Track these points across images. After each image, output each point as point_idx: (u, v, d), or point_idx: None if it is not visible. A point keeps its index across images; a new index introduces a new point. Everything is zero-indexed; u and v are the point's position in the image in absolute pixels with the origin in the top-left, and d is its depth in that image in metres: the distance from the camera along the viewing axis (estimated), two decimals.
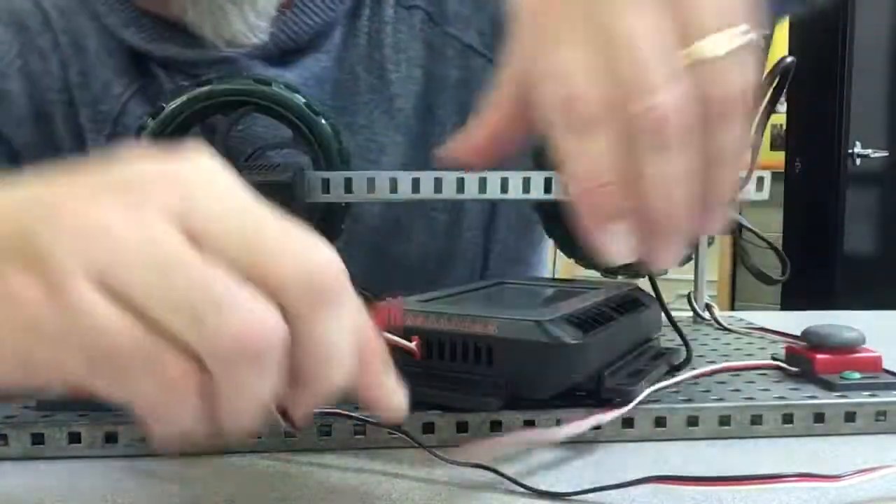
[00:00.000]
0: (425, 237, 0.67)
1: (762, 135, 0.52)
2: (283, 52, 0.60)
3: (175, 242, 0.24)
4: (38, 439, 0.35)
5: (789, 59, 0.47)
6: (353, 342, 0.26)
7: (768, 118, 0.50)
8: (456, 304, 0.41)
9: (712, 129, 0.30)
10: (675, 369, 0.43)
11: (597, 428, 0.37)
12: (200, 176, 0.25)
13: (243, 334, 0.23)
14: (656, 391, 0.38)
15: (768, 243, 0.47)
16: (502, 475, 0.33)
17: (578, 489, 0.31)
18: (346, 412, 0.36)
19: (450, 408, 0.37)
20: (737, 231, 0.52)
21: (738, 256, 0.53)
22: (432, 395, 0.37)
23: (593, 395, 0.37)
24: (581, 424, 0.34)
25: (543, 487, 0.32)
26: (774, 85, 0.48)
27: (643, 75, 0.29)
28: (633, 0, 0.30)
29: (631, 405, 0.37)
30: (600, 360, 0.37)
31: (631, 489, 0.31)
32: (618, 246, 0.30)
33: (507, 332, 0.36)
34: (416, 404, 0.37)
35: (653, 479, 0.31)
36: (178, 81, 0.61)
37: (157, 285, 0.23)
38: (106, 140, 0.62)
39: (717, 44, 0.29)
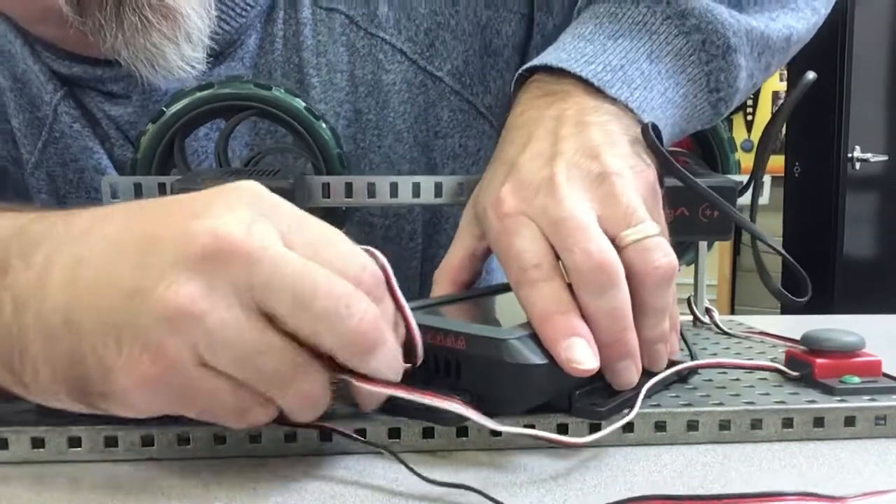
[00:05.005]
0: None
1: (772, 144, 0.52)
2: None
3: (251, 326, 0.30)
4: (38, 443, 0.35)
5: (811, 76, 0.48)
6: (398, 369, 0.34)
7: (782, 129, 0.50)
8: (441, 313, 0.41)
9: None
10: (682, 380, 0.42)
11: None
12: (254, 242, 0.30)
13: (312, 396, 0.32)
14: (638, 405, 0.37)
15: (792, 263, 0.47)
16: (485, 495, 0.31)
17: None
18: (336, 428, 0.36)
19: (415, 417, 0.36)
20: (755, 246, 0.52)
21: (760, 276, 0.53)
22: (401, 403, 0.36)
23: (566, 413, 0.37)
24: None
25: (529, 501, 0.31)
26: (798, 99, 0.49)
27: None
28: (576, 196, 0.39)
29: (632, 414, 0.36)
30: (571, 380, 0.36)
31: None
32: (579, 355, 0.36)
33: (474, 349, 0.36)
34: (383, 411, 0.37)
35: (636, 500, 0.30)
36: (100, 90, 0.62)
37: (244, 363, 0.31)
38: (42, 148, 0.62)
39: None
